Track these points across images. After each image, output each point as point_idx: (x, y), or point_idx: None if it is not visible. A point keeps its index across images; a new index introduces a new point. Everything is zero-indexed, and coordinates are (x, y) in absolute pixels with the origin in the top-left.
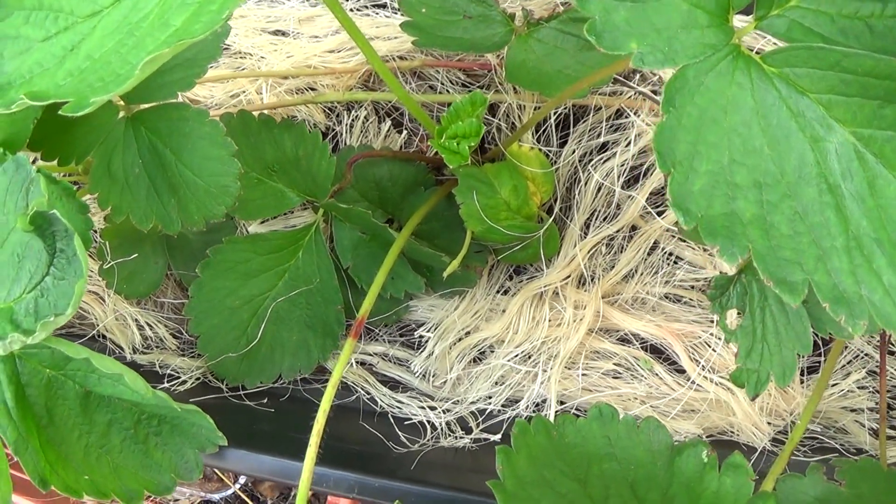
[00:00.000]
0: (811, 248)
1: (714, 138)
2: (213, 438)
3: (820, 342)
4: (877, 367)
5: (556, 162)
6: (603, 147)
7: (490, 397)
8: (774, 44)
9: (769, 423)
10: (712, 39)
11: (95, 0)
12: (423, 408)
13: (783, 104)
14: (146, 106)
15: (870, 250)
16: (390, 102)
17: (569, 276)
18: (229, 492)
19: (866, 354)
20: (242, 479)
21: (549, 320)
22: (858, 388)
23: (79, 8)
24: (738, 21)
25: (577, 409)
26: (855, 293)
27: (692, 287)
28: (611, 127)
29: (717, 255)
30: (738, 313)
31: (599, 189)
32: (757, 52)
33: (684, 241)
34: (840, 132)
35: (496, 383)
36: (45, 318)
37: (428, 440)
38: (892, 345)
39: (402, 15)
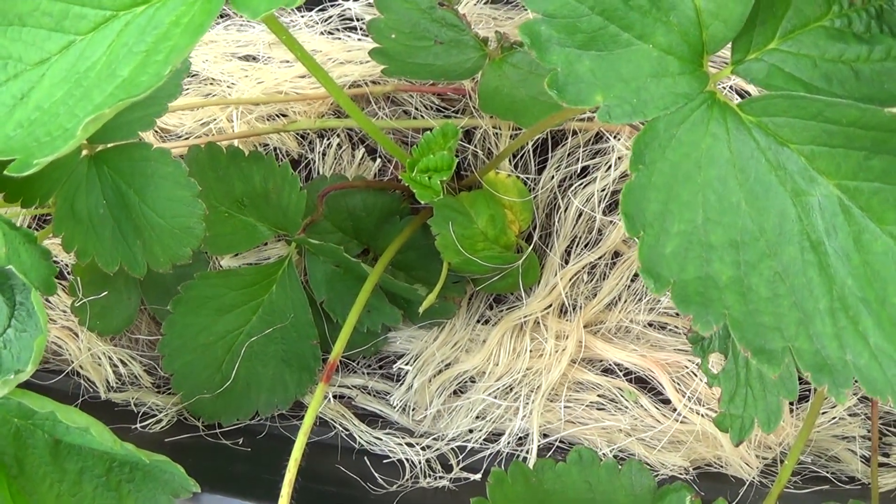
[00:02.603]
0: (792, 311)
1: (687, 196)
2: (186, 485)
3: None
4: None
5: (534, 189)
6: (582, 172)
7: (471, 431)
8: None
9: (758, 456)
10: (685, 88)
11: (43, 46)
12: (401, 444)
13: (762, 156)
14: (110, 145)
15: (855, 311)
16: (364, 129)
17: (550, 306)
18: None
19: (856, 381)
20: None
21: (531, 351)
22: (850, 415)
23: (27, 55)
24: (713, 65)
25: (560, 442)
26: (839, 359)
27: (677, 314)
28: (590, 151)
29: (691, 324)
30: (723, 356)
31: (580, 215)
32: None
33: None
34: (824, 185)
35: (477, 417)
36: (8, 373)
37: (406, 480)
38: None
39: (372, 41)
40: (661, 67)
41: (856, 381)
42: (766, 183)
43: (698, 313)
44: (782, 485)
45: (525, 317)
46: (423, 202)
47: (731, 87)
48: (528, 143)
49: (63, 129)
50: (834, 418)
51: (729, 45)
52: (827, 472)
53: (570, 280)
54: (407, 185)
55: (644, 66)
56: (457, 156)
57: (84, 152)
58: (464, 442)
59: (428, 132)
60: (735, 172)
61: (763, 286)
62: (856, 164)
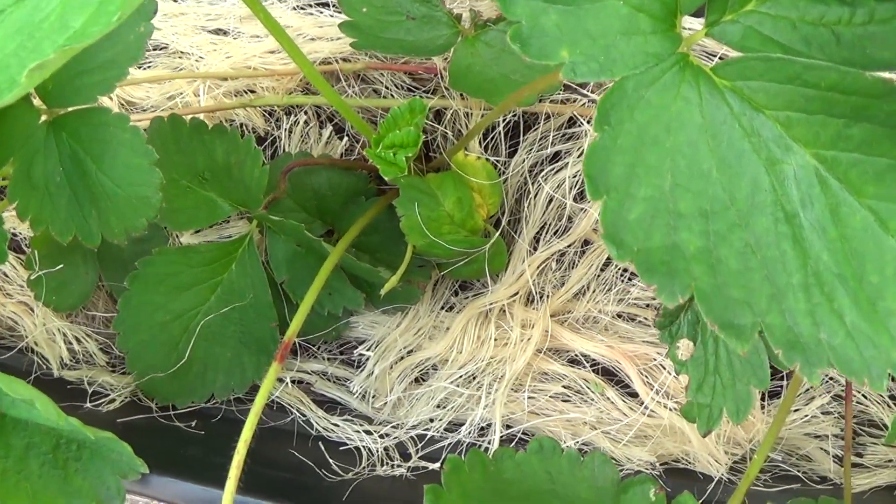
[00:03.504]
0: (764, 285)
1: (655, 160)
2: (134, 466)
3: None
4: (842, 391)
5: (504, 172)
6: (554, 157)
7: (432, 420)
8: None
9: (727, 453)
10: (656, 48)
11: None
12: (359, 432)
13: (735, 122)
14: (70, 109)
15: (831, 287)
16: (331, 107)
17: (517, 293)
18: None
19: (831, 378)
20: None
21: (495, 340)
22: (823, 413)
23: None
24: (687, 26)
25: (523, 434)
26: (812, 337)
27: (647, 305)
28: (563, 136)
29: (656, 295)
30: (691, 343)
31: (550, 201)
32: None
33: None
34: (800, 154)
35: (438, 406)
36: None
37: (363, 468)
38: None
39: (343, 14)
40: (631, 25)
41: (830, 378)
42: (739, 150)
43: (662, 283)
44: (750, 481)
45: (490, 304)
46: (387, 179)
47: (703, 53)
48: (499, 125)
49: (10, 81)
50: (806, 416)
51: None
52: (798, 471)
53: (538, 267)
54: (374, 164)
55: (613, 22)
56: (426, 137)
57: (43, 118)
58: (424, 430)
59: (394, 107)
60: (706, 138)
61: (733, 258)
62: (834, 132)
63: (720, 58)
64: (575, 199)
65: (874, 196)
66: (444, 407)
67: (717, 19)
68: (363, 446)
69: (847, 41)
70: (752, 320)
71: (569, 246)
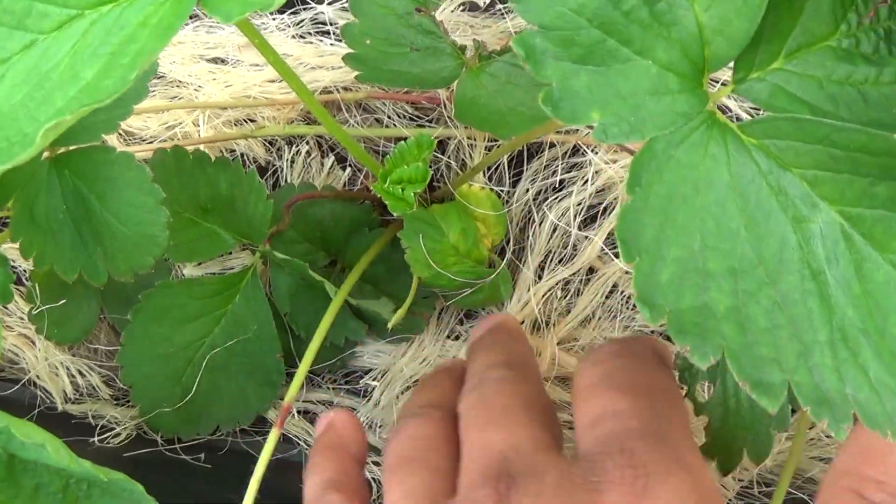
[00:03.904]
0: (791, 343)
1: (684, 220)
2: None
3: None
4: None
5: (508, 201)
6: (559, 186)
7: None
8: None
9: (734, 478)
10: (684, 107)
11: (3, 45)
12: (367, 463)
13: (763, 180)
14: (72, 148)
15: (856, 343)
16: (334, 136)
17: (522, 322)
18: None
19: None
20: None
21: None
22: (827, 436)
23: None
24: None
25: None
26: (839, 393)
27: (652, 332)
28: (567, 164)
29: (689, 357)
30: (709, 385)
31: (555, 230)
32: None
33: None
34: (826, 211)
35: None
36: None
37: (373, 500)
38: None
39: (344, 46)
40: (660, 84)
41: None
42: (767, 208)
43: (696, 345)
44: None
45: None
46: (395, 214)
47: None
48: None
49: (22, 135)
50: (812, 439)
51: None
52: (804, 494)
53: (544, 296)
54: (377, 195)
55: (643, 82)
56: (430, 167)
57: (45, 154)
58: None
59: (402, 142)
60: (734, 196)
61: (761, 316)
62: (860, 190)
63: (737, 118)
64: (580, 227)
65: None
66: None
67: (744, 77)
68: (371, 478)
69: (874, 101)
70: (781, 378)
71: (573, 274)
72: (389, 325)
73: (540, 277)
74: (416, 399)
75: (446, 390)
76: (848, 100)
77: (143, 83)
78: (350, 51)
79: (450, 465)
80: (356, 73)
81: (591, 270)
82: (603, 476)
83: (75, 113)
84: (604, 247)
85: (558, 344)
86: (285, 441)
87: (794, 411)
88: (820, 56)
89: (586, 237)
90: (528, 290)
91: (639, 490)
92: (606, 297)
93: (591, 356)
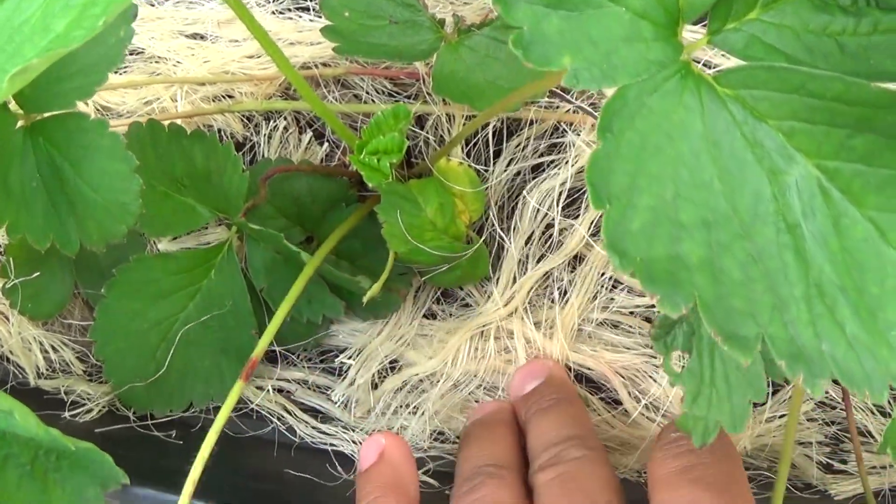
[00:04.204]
0: (766, 296)
1: (657, 169)
2: (115, 476)
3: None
4: (826, 398)
5: (488, 179)
6: (539, 165)
7: (404, 428)
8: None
9: None
10: (658, 55)
11: None
12: (344, 440)
13: (738, 131)
14: (46, 115)
15: (832, 299)
16: (311, 112)
17: (506, 306)
18: None
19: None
20: None
21: (476, 350)
22: (808, 420)
23: None
24: (689, 34)
25: None
26: (815, 348)
27: (631, 313)
28: (548, 143)
29: (658, 305)
30: (686, 355)
31: (534, 209)
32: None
33: None
34: (802, 164)
35: (422, 414)
36: None
37: (350, 473)
38: None
39: (324, 19)
40: (633, 32)
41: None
42: (742, 160)
43: (666, 293)
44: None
45: (484, 325)
46: (371, 185)
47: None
48: (485, 132)
49: None
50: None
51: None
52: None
53: (525, 277)
54: (355, 171)
55: (616, 29)
56: (408, 143)
57: (20, 123)
58: (410, 440)
59: (378, 113)
60: (708, 147)
61: (735, 269)
62: (837, 143)
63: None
64: (561, 208)
65: (875, 207)
66: (427, 415)
67: (719, 27)
68: (348, 453)
69: (851, 51)
70: (755, 331)
71: (554, 255)
72: (365, 298)
73: (520, 258)
74: (480, 452)
75: (510, 445)
76: (825, 51)
77: (119, 48)
78: (328, 23)
79: None
80: (334, 45)
81: (574, 255)
82: None
83: (44, 57)
84: (584, 233)
85: (535, 325)
86: (259, 419)
87: (771, 387)
88: (796, 6)
89: (566, 219)
90: (509, 270)
91: None
92: (586, 278)
93: (668, 448)
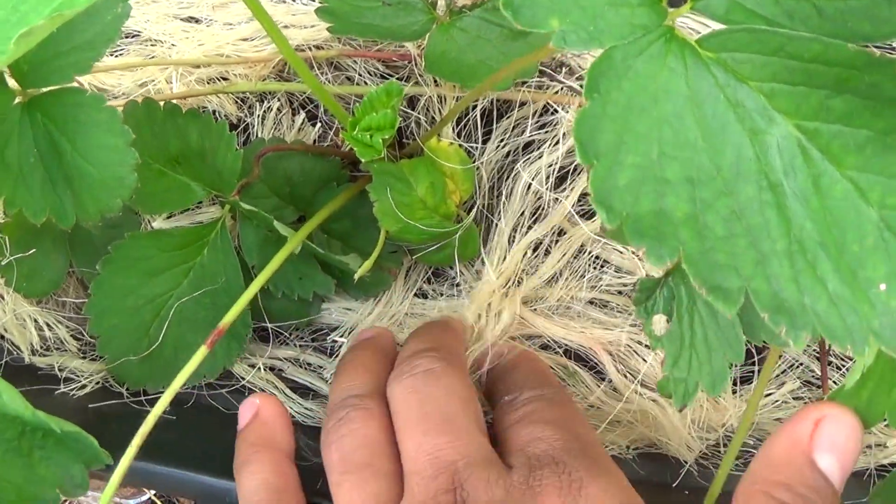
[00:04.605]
0: (749, 251)
1: (642, 128)
2: (98, 457)
3: (754, 350)
4: (813, 377)
5: (478, 159)
6: (529, 144)
7: None
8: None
9: (700, 438)
10: (643, 19)
11: None
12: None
13: (720, 92)
14: (44, 90)
15: (814, 255)
16: (305, 94)
17: (497, 279)
18: (144, 497)
19: (801, 364)
20: None
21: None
22: (794, 398)
23: None
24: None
25: None
26: (797, 302)
27: (619, 292)
28: (537, 123)
29: (643, 258)
30: (667, 319)
31: (525, 188)
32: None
33: (612, 245)
34: (783, 125)
35: None
36: None
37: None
38: (831, 354)
39: (317, 2)
40: None
41: (801, 364)
42: (724, 120)
43: (651, 246)
44: (730, 464)
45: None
46: (362, 162)
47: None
48: (475, 112)
49: None
50: (777, 401)
51: None
52: None
53: (513, 253)
54: (347, 151)
55: None
56: (399, 123)
57: (17, 99)
58: None
59: (371, 90)
60: (692, 108)
61: (719, 224)
62: (816, 104)
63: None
64: (550, 187)
65: (854, 167)
66: None
67: None
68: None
69: (829, 15)
70: (739, 284)
71: (543, 233)
72: (356, 276)
73: (509, 236)
74: (347, 382)
75: (379, 372)
76: (804, 15)
77: (116, 25)
78: (322, 4)
79: (397, 468)
80: (328, 25)
81: (560, 231)
82: (542, 481)
83: (49, 20)
84: (572, 210)
85: (524, 303)
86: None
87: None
88: None
89: (556, 198)
90: (498, 249)
91: (575, 491)
92: (574, 257)
93: (511, 401)
